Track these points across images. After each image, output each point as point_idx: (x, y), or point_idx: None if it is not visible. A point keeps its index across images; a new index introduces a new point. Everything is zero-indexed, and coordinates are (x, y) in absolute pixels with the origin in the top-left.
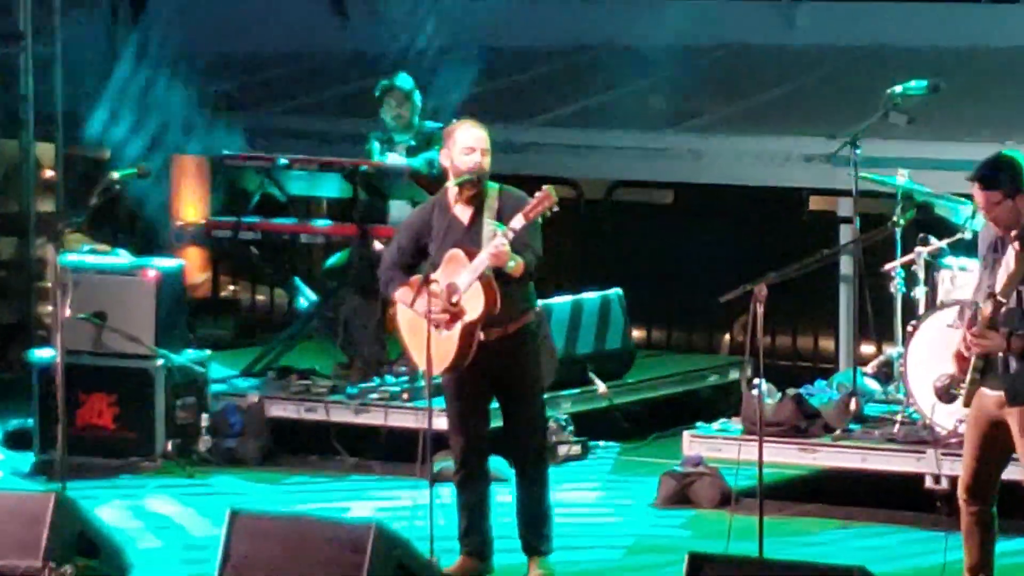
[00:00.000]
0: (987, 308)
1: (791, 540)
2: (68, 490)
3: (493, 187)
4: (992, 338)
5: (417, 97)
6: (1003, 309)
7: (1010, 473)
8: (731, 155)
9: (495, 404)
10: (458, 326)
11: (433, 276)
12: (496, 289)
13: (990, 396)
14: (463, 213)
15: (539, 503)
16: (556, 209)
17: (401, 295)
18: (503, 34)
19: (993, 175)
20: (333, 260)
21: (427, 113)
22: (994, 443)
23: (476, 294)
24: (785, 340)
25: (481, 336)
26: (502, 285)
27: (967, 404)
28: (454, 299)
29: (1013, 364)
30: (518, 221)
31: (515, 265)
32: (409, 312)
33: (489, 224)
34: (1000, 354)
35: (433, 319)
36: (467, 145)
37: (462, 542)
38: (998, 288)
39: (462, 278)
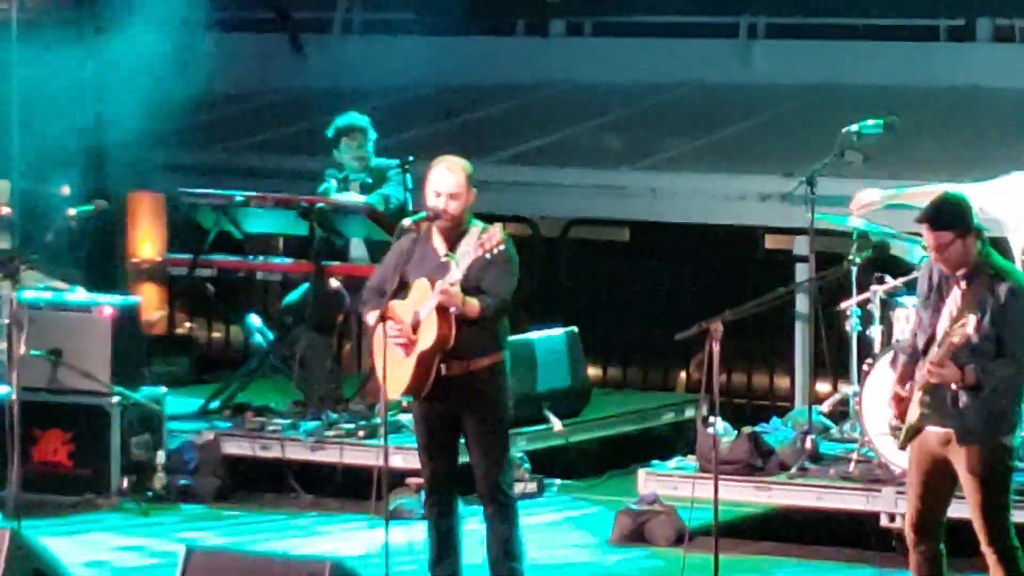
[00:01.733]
0: (943, 342)
1: None
2: (23, 527)
3: (475, 225)
4: (949, 367)
5: (372, 135)
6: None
7: (959, 511)
8: (687, 193)
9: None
10: (414, 354)
11: (401, 303)
12: (451, 323)
13: (934, 434)
14: (440, 246)
15: (505, 540)
16: (500, 248)
17: (370, 319)
18: (459, 71)
19: (943, 216)
20: (292, 297)
21: (380, 150)
22: (938, 481)
23: (430, 326)
24: (741, 378)
25: (443, 370)
26: (462, 322)
27: (903, 447)
28: (414, 325)
29: (963, 399)
30: (465, 258)
31: (466, 307)
32: (379, 336)
33: (447, 259)
34: (952, 387)
35: (393, 343)
36: (433, 189)
37: (432, 570)
38: (945, 327)
39: (423, 308)
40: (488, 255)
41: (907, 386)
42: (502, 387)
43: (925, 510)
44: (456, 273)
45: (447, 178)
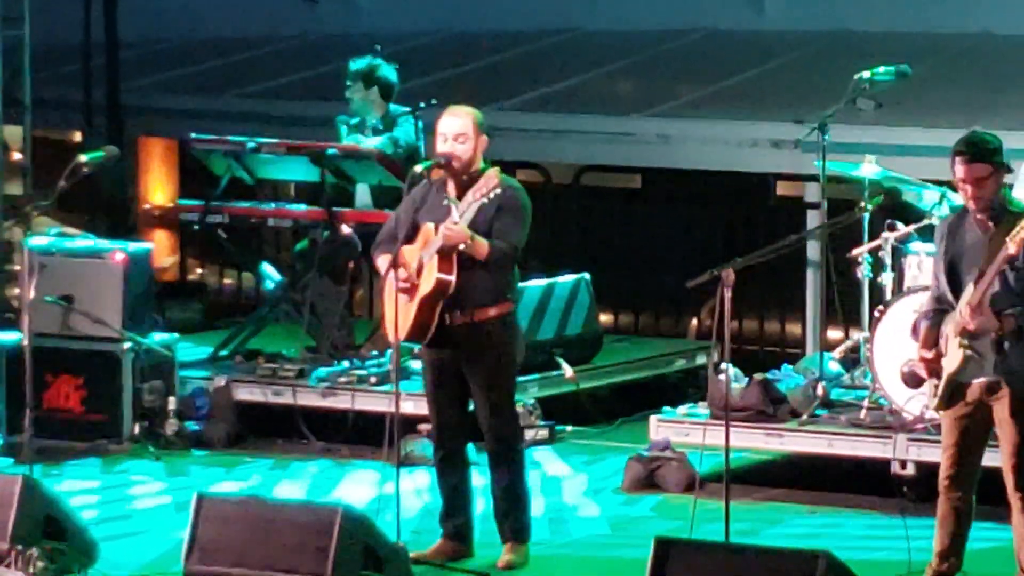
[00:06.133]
0: (976, 287)
1: (757, 525)
2: (35, 473)
3: (489, 172)
4: (988, 318)
5: (392, 80)
6: (990, 290)
7: (986, 459)
8: (699, 140)
9: None
10: (416, 299)
11: (409, 248)
12: (452, 268)
13: (976, 384)
14: (452, 193)
15: (508, 491)
16: (497, 192)
17: (380, 263)
18: (471, 18)
19: (980, 149)
20: (304, 243)
21: (394, 96)
22: (974, 430)
23: (431, 269)
24: (752, 325)
25: (448, 319)
26: (467, 269)
27: (942, 407)
28: (419, 270)
29: (1007, 345)
30: (465, 202)
31: (473, 244)
32: (389, 281)
33: (451, 204)
34: (992, 336)
35: (400, 288)
36: (440, 133)
37: (442, 524)
38: (978, 266)
39: (426, 252)
40: (486, 199)
41: (932, 352)
42: (507, 339)
43: (962, 460)
44: (455, 214)
45: (453, 122)
